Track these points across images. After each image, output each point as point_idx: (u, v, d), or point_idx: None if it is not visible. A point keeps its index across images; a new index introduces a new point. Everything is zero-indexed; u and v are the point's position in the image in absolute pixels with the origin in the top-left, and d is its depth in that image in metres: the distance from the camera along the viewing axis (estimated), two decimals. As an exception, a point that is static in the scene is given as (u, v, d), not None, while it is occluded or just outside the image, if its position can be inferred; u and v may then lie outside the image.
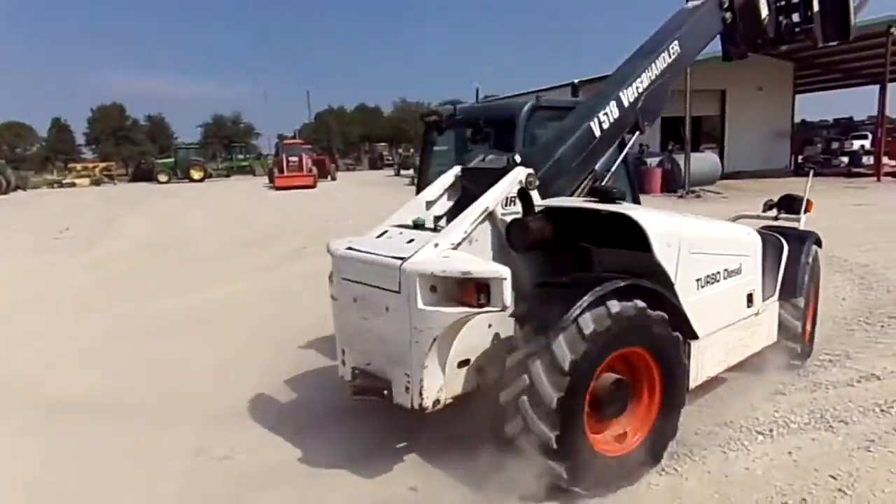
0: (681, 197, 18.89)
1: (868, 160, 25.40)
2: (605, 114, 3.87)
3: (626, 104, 3.99)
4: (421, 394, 3.02)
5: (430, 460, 3.45)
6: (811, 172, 6.46)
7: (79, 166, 44.78)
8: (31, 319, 7.13)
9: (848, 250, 8.99)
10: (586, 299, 2.84)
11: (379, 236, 3.43)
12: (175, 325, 6.63)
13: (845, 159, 27.17)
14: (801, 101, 30.65)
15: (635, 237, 3.21)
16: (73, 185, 39.31)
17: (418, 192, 4.18)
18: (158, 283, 9.06)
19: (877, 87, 27.30)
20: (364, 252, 3.27)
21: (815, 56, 27.11)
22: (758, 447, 3.55)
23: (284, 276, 9.32)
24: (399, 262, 3.00)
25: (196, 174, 38.51)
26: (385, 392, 3.17)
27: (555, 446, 2.80)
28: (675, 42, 4.31)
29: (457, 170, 3.90)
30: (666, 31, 4.44)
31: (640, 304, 3.01)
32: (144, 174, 41.35)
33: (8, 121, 65.23)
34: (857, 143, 28.78)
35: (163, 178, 38.24)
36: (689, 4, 4.68)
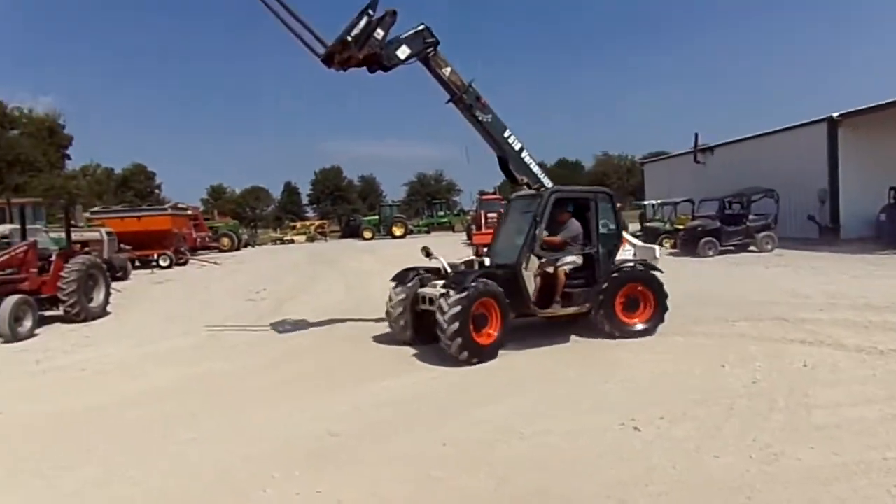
0: None
1: None
2: None
3: None
4: None
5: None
6: None
7: (298, 224, 49.30)
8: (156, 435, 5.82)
9: None
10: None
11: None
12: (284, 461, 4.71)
13: None
14: None
15: None
16: (292, 241, 42.96)
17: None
18: (315, 373, 7.48)
19: None
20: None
21: None
22: None
23: (473, 370, 7.17)
24: None
25: (397, 230, 39.73)
26: None
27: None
28: None
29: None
30: None
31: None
32: (353, 230, 43.82)
33: (251, 186, 75.79)
34: None
35: (367, 234, 40.11)
36: None
